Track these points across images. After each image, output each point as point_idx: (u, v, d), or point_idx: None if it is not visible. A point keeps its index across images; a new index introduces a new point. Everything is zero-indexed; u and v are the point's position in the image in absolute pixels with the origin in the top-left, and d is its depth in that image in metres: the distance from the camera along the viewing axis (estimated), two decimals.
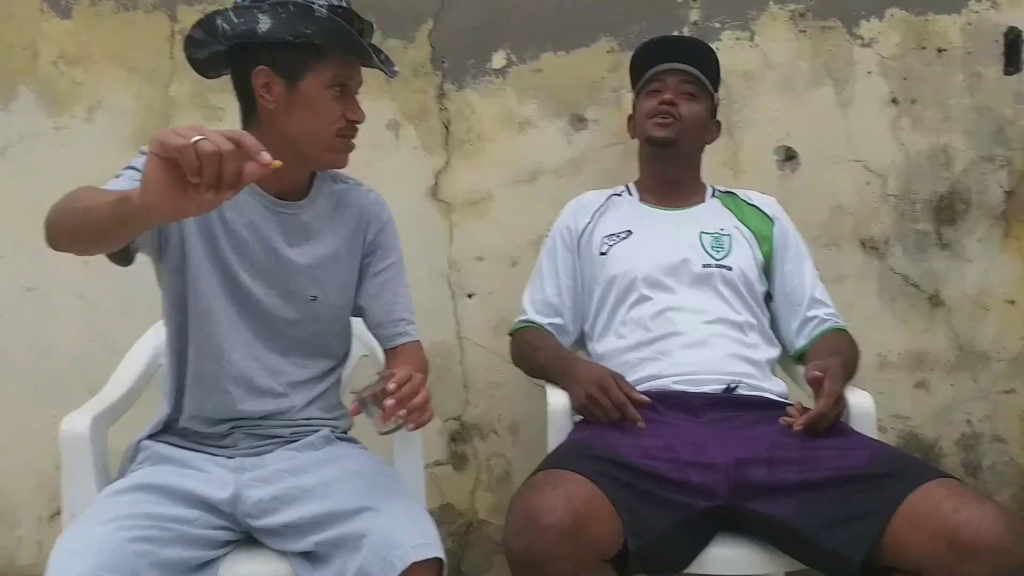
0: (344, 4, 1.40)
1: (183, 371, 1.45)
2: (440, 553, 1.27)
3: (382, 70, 1.45)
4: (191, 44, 1.43)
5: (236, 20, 1.36)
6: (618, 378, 1.58)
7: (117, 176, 1.34)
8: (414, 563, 1.22)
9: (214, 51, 1.43)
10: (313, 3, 1.35)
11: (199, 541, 1.31)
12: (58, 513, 2.04)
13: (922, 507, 1.24)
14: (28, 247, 2.00)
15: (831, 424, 1.47)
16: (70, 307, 2.03)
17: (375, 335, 1.61)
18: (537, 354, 1.75)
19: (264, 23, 1.35)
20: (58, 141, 2.01)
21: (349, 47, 1.38)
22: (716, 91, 1.85)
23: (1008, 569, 1.18)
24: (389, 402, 1.20)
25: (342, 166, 1.48)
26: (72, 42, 2.01)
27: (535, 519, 1.23)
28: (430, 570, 1.25)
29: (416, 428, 1.27)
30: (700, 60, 1.81)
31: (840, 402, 1.49)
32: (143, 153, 1.35)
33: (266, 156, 0.97)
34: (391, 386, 1.21)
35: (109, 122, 2.02)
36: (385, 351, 1.60)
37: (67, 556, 1.19)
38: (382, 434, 1.27)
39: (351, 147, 1.46)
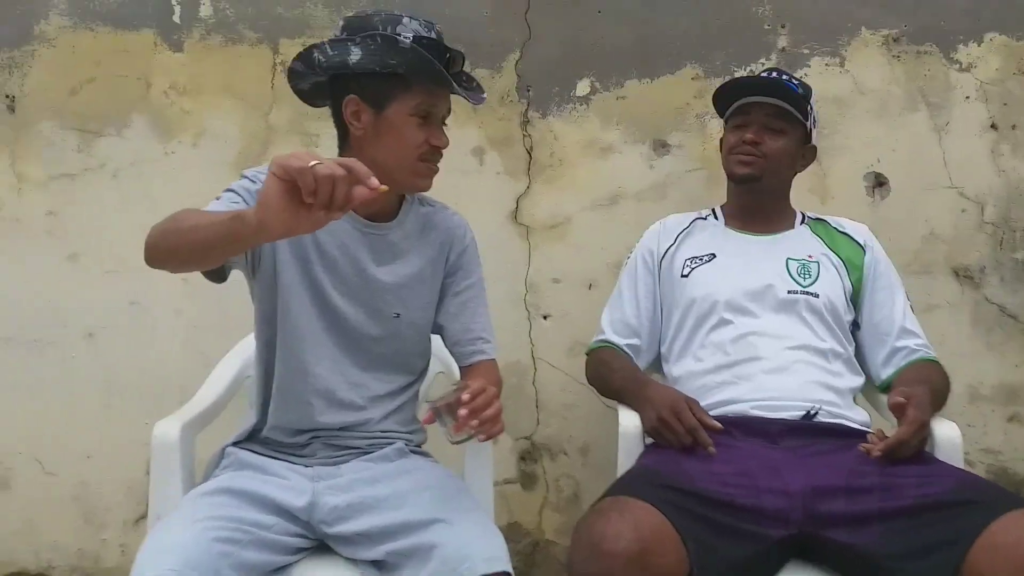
0: (431, 35, 1.45)
1: (269, 383, 1.51)
2: (508, 567, 1.28)
3: (465, 98, 1.49)
4: (293, 76, 1.52)
5: (331, 52, 1.44)
6: (691, 403, 1.56)
7: (217, 198, 1.41)
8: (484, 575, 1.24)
9: (316, 81, 1.51)
10: (399, 35, 1.42)
11: (276, 546, 1.36)
12: (143, 518, 2.13)
13: (1004, 536, 1.19)
14: (134, 264, 2.10)
15: (913, 453, 1.42)
16: (169, 321, 2.14)
17: (452, 353, 1.64)
18: (612, 375, 1.75)
19: (355, 55, 1.42)
20: (167, 166, 2.14)
21: (431, 76, 1.43)
22: (807, 117, 1.79)
23: None
24: (462, 412, 1.23)
25: (425, 189, 1.53)
26: (183, 74, 2.14)
27: (600, 545, 1.23)
28: None
29: (487, 439, 1.29)
30: (785, 90, 1.76)
31: (923, 429, 1.43)
32: (244, 177, 1.44)
33: (374, 181, 1.05)
34: (465, 397, 1.24)
35: (214, 148, 2.14)
36: (461, 368, 1.63)
37: (155, 552, 1.25)
38: (453, 443, 1.29)
39: (435, 171, 1.51)
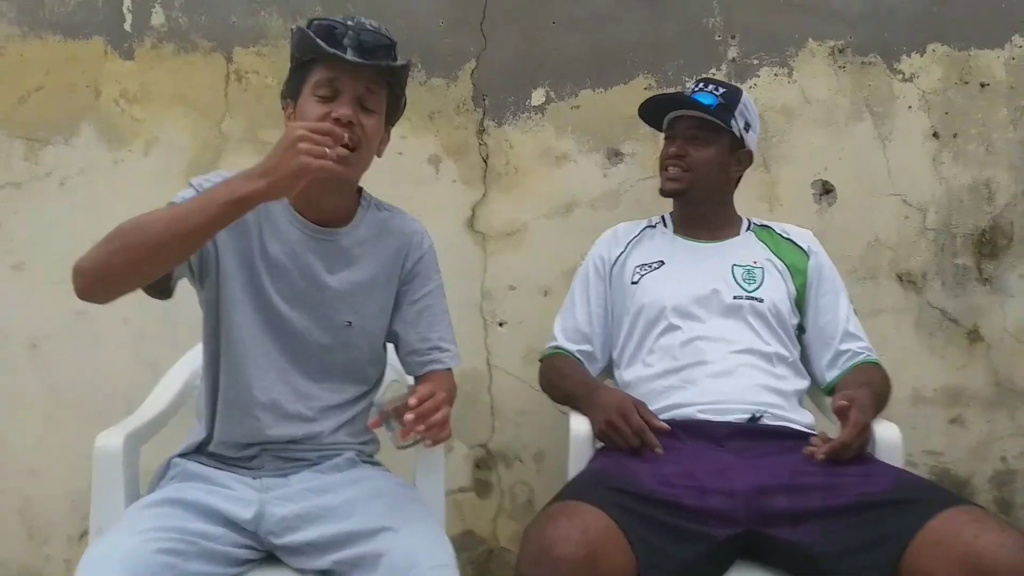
0: (332, 19, 1.43)
1: (215, 397, 1.48)
2: (456, 575, 1.28)
3: (338, 56, 1.38)
4: None
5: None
6: (639, 405, 1.58)
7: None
8: None
9: None
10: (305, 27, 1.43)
11: (222, 558, 1.34)
12: (87, 533, 2.09)
13: (943, 532, 1.22)
14: None
15: (856, 454, 1.45)
16: (116, 331, 2.10)
17: (406, 362, 1.60)
18: (564, 381, 1.76)
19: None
20: (116, 174, 2.12)
21: (307, 48, 1.41)
22: (732, 124, 1.78)
23: None
24: (409, 416, 1.22)
25: (338, 173, 1.36)
26: (134, 82, 2.12)
27: (549, 550, 1.23)
28: None
29: (434, 444, 1.29)
30: (697, 104, 1.77)
31: (865, 431, 1.47)
32: (190, 186, 1.42)
33: None
34: (412, 401, 1.23)
35: (165, 157, 2.12)
36: (415, 379, 1.60)
37: (97, 563, 1.22)
38: (399, 448, 1.29)
39: (347, 155, 1.37)
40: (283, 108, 1.50)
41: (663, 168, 1.82)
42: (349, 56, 1.39)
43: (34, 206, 2.11)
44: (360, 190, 1.58)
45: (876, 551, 1.26)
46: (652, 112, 1.88)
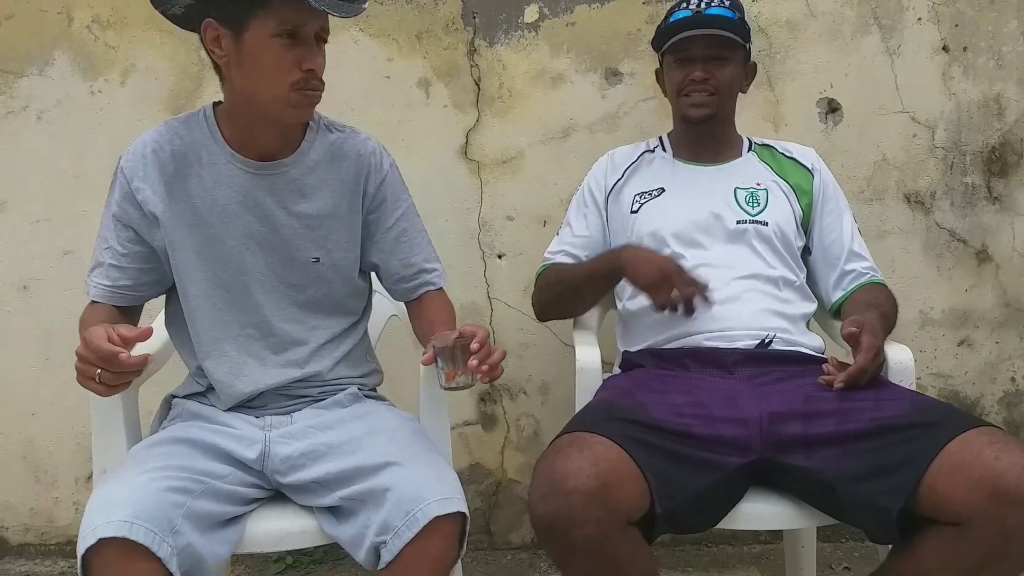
0: None
1: (201, 371, 1.46)
2: (463, 508, 1.27)
3: (327, 10, 1.30)
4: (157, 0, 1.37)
5: None
6: (674, 259, 1.56)
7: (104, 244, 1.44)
8: (437, 517, 1.23)
9: (187, 4, 1.35)
10: None
11: (230, 496, 1.33)
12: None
13: (961, 456, 1.20)
14: (66, 211, 2.05)
15: (870, 379, 1.43)
16: None
17: (394, 291, 1.58)
18: (571, 271, 1.71)
19: None
20: (94, 105, 2.04)
21: None
22: (746, 37, 1.72)
23: None
24: (473, 362, 1.27)
25: (305, 119, 1.41)
26: (105, 6, 2.02)
27: (560, 483, 1.22)
28: (453, 525, 1.25)
29: (491, 382, 1.33)
30: (724, 21, 1.68)
31: (880, 355, 1.44)
32: (120, 171, 1.42)
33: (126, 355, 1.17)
34: (474, 346, 1.28)
35: (144, 85, 2.03)
36: (408, 305, 1.58)
37: (105, 503, 1.21)
38: (444, 388, 1.31)
39: (314, 99, 1.37)
40: (203, 31, 1.33)
41: (683, 94, 1.71)
42: (336, 9, 1.30)
43: (12, 142, 2.04)
44: None
45: (894, 476, 1.25)
46: (659, 35, 1.76)
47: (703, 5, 1.71)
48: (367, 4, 1.38)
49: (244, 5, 1.29)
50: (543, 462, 1.28)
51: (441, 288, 1.58)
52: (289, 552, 2.10)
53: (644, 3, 2.05)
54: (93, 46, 2.02)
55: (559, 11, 2.06)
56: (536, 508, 1.24)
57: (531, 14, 2.06)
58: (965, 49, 2.07)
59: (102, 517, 1.18)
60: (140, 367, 1.18)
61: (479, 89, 2.07)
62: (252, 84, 1.34)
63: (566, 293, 1.73)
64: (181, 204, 1.40)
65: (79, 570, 1.19)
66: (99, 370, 1.18)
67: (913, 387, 1.51)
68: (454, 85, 2.07)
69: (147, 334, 1.20)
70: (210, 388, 1.46)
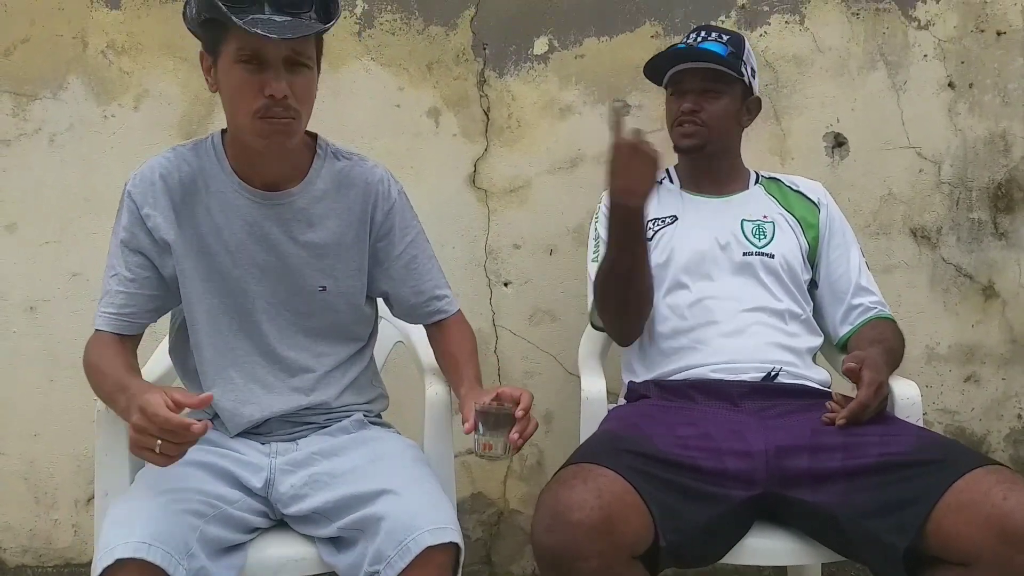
0: None
1: (201, 389, 1.44)
2: (457, 538, 1.25)
3: (256, 34, 1.22)
4: (189, 25, 1.37)
5: (191, 3, 1.32)
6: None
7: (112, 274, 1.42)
8: (429, 547, 1.21)
9: (194, 31, 1.37)
10: None
11: (238, 523, 1.32)
12: (95, 497, 2.08)
13: (969, 494, 1.19)
14: (75, 233, 2.06)
15: (874, 414, 1.43)
16: None
17: (407, 317, 1.57)
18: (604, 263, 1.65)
19: (192, 3, 1.31)
20: (107, 129, 2.05)
21: (213, 14, 1.24)
22: (743, 72, 1.73)
23: None
24: (515, 435, 1.28)
25: (275, 149, 1.34)
26: (121, 32, 2.04)
27: (564, 515, 1.21)
28: (446, 555, 1.23)
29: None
30: (712, 56, 1.69)
31: (882, 390, 1.44)
32: (127, 195, 1.41)
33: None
34: (519, 412, 1.29)
35: (156, 110, 2.05)
36: (426, 327, 1.58)
37: (121, 524, 1.19)
38: (480, 457, 1.32)
39: (282, 128, 1.31)
40: (200, 60, 1.36)
41: (676, 124, 1.74)
42: (268, 31, 1.23)
43: (24, 164, 2.05)
44: (315, 137, 1.48)
45: (901, 513, 1.24)
46: (658, 68, 1.79)
47: (699, 39, 1.74)
48: (330, 24, 1.31)
49: (212, 30, 1.29)
50: (547, 493, 1.27)
51: (458, 312, 1.57)
52: None
53: (652, 36, 2.07)
54: (107, 71, 2.04)
55: (568, 43, 2.08)
56: (540, 540, 1.23)
57: (541, 46, 2.08)
58: (971, 86, 2.09)
59: (119, 538, 1.17)
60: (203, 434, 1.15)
61: (488, 119, 2.09)
62: (229, 111, 1.35)
63: (608, 282, 1.63)
64: (189, 231, 1.40)
65: None
66: (159, 440, 1.14)
67: (920, 423, 1.51)
68: (463, 115, 2.09)
69: (207, 401, 1.19)
70: (216, 415, 1.45)
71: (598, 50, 2.08)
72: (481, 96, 2.09)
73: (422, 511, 1.26)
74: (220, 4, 1.23)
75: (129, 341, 1.43)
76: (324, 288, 1.45)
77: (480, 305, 2.10)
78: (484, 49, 2.08)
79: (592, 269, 1.76)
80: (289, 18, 1.26)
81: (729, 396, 1.53)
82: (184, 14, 1.35)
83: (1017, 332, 2.11)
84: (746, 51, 1.75)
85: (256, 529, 1.37)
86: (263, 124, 1.30)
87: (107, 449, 1.43)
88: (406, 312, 1.57)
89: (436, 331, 1.57)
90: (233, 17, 1.23)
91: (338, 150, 1.50)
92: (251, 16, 1.24)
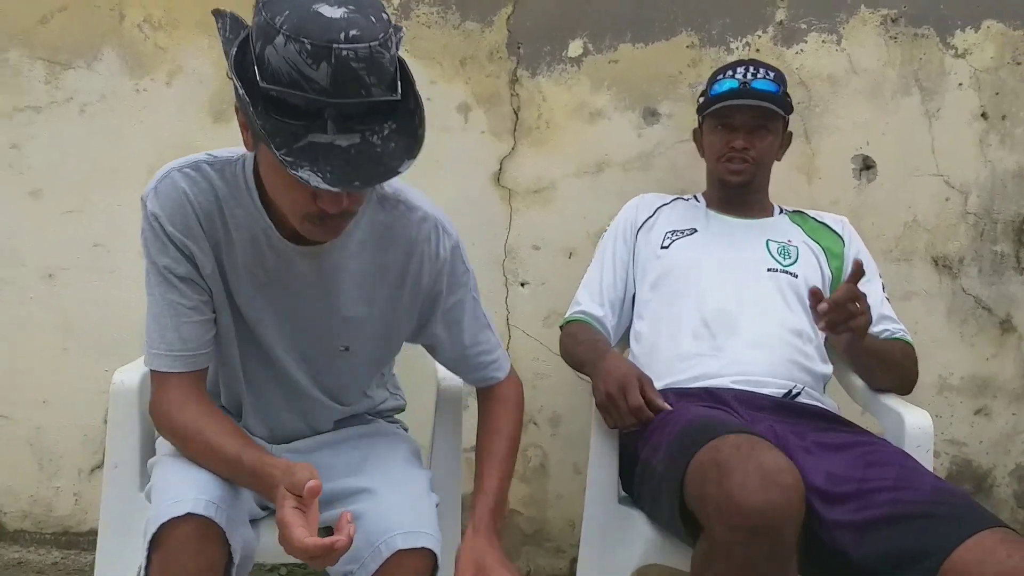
0: (349, 48, 0.98)
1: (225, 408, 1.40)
2: (431, 543, 1.20)
3: (327, 189, 1.01)
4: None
5: (225, 33, 1.12)
6: (644, 380, 1.48)
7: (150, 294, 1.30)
8: (400, 551, 1.18)
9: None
10: (266, 59, 1.00)
11: (257, 501, 1.32)
12: (99, 467, 2.09)
13: (975, 553, 1.18)
14: (98, 204, 2.06)
15: (863, 324, 1.45)
16: (132, 265, 2.04)
17: (453, 371, 1.48)
18: (577, 347, 1.69)
19: (230, 55, 1.07)
20: (138, 103, 2.05)
21: (275, 140, 1.00)
22: (787, 109, 1.77)
23: None
24: None
25: (323, 241, 1.22)
26: (158, 7, 2.04)
27: (774, 476, 1.17)
28: (419, 560, 1.19)
29: None
30: (770, 96, 1.71)
31: (856, 293, 1.42)
32: (146, 208, 1.24)
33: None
34: None
35: (188, 87, 2.05)
36: (478, 391, 1.48)
37: (172, 486, 1.17)
38: None
39: (333, 229, 1.17)
40: (236, 113, 1.14)
41: (725, 160, 1.75)
42: (329, 178, 1.01)
43: (53, 131, 2.05)
44: None
45: (910, 566, 1.23)
46: (709, 103, 1.78)
47: (749, 76, 1.74)
48: (405, 167, 1.06)
49: (263, 118, 1.03)
50: (736, 457, 1.21)
51: (508, 377, 1.45)
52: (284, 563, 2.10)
53: (688, 47, 2.06)
54: (143, 45, 2.05)
55: (603, 48, 2.07)
56: (749, 499, 1.16)
57: (575, 48, 2.08)
58: (1004, 118, 2.07)
59: (190, 492, 1.13)
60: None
61: (517, 118, 2.09)
62: (271, 191, 1.18)
63: (573, 363, 1.71)
64: (209, 266, 1.27)
65: (145, 542, 1.13)
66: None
67: (931, 452, 1.50)
68: (493, 112, 2.08)
69: (317, 491, 1.09)
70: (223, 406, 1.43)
71: (632, 56, 2.07)
72: (512, 95, 2.08)
73: (399, 513, 1.22)
74: (268, 138, 1.01)
75: (203, 381, 1.30)
76: (347, 348, 1.34)
77: (495, 303, 2.09)
78: (518, 48, 2.07)
79: (582, 291, 1.79)
80: (358, 140, 1.03)
81: (756, 405, 1.52)
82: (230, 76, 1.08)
83: None
84: (787, 86, 1.78)
85: (266, 507, 1.35)
86: (311, 226, 1.14)
87: (119, 423, 1.44)
88: (456, 371, 1.47)
89: (481, 399, 1.46)
90: (285, 159, 0.99)
91: (385, 196, 1.29)
92: (308, 140, 1.01)
